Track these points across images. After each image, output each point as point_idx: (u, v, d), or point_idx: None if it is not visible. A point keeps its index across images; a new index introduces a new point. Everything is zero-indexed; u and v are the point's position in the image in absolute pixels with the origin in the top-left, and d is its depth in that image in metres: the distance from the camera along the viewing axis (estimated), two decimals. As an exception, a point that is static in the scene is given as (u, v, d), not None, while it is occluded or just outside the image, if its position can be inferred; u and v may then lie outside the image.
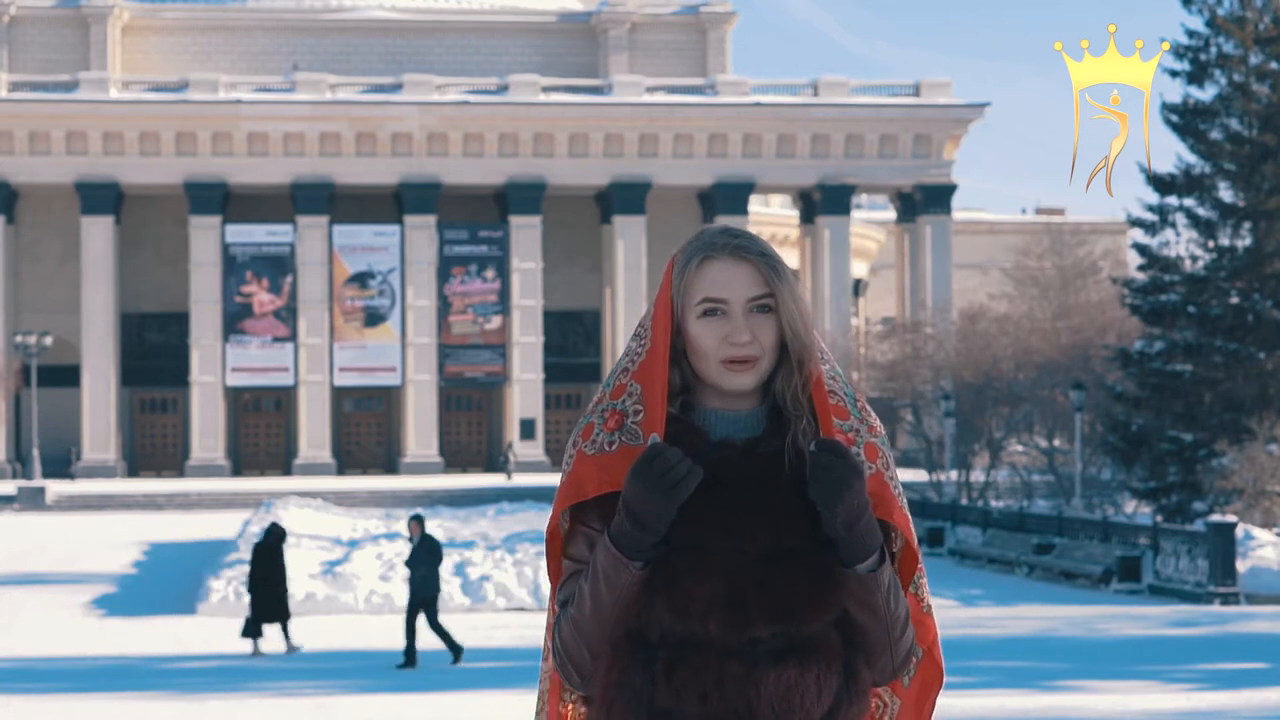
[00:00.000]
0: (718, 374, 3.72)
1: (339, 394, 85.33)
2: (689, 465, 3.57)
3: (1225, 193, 48.02)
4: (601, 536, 3.68)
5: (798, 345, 3.73)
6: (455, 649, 24.76)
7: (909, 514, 3.80)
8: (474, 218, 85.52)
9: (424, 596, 24.75)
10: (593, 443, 3.75)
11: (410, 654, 24.43)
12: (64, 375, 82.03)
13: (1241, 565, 35.88)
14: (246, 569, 35.91)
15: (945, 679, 3.96)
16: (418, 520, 25.69)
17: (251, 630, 26.86)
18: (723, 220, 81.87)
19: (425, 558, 24.99)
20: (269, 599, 27.08)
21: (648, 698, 3.63)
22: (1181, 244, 48.50)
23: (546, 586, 34.71)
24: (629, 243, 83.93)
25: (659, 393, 3.72)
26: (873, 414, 3.83)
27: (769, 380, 3.77)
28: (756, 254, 3.72)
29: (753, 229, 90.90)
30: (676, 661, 3.62)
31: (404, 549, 39.05)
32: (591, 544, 3.73)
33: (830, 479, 3.56)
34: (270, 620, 26.99)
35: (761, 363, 3.71)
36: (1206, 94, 48.06)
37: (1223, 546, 35.13)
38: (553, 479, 74.79)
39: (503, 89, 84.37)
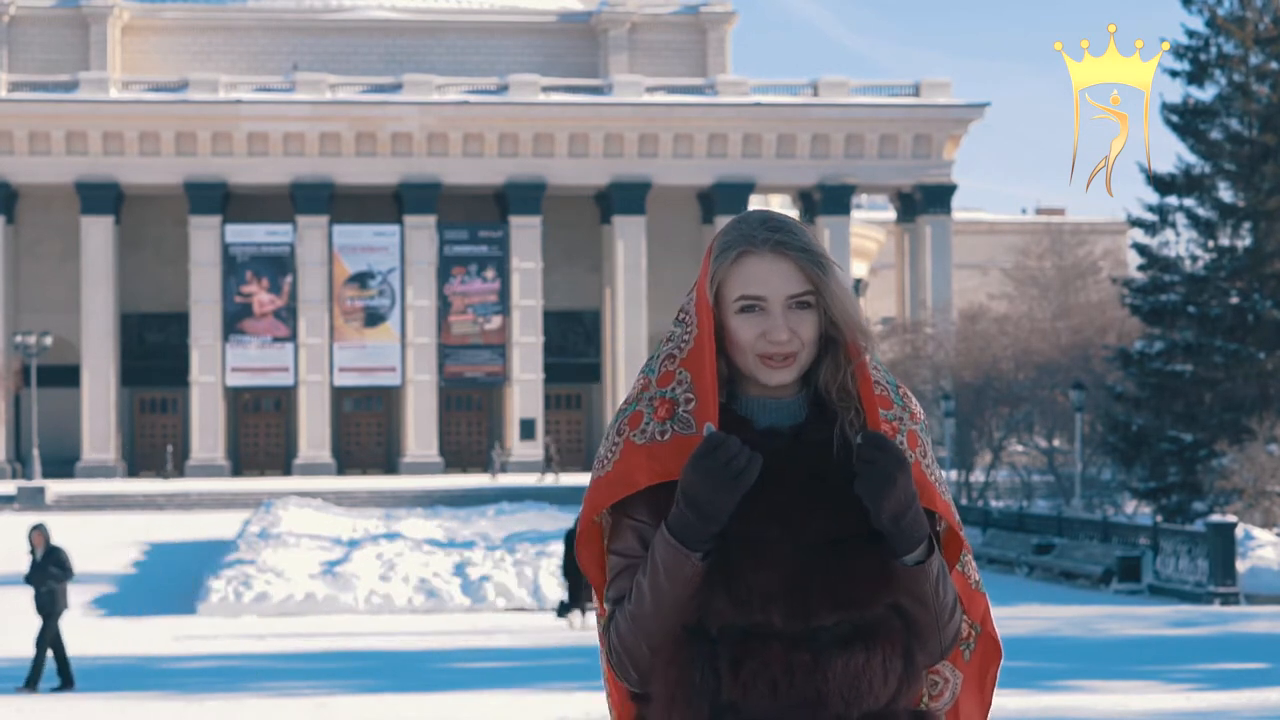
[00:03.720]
0: (755, 368, 3.68)
1: (339, 394, 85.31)
2: (750, 454, 3.54)
3: (1225, 193, 48.01)
4: (655, 529, 3.64)
5: (852, 335, 3.70)
6: (32, 679, 22.69)
7: (949, 498, 3.79)
8: (474, 218, 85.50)
9: (50, 611, 22.99)
10: (642, 431, 3.68)
11: (65, 673, 22.79)
12: (64, 375, 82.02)
13: (1241, 565, 35.88)
14: (249, 569, 35.96)
15: (1001, 657, 3.97)
16: (40, 531, 23.46)
17: (563, 610, 28.91)
18: (721, 221, 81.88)
19: (53, 571, 23.11)
20: (578, 582, 28.71)
21: (711, 692, 3.60)
22: (1181, 244, 48.53)
23: (546, 586, 34.67)
24: (629, 243, 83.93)
25: (710, 381, 3.67)
26: (914, 401, 3.82)
27: (811, 370, 3.75)
28: (798, 249, 3.66)
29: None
30: (742, 654, 3.59)
31: (404, 549, 39.06)
32: (640, 537, 3.67)
33: (875, 474, 3.54)
34: (582, 602, 28.93)
35: (801, 356, 3.68)
36: (1206, 94, 48.08)
37: (1223, 546, 35.13)
38: (553, 479, 74.77)
39: (503, 89, 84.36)
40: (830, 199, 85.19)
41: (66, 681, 22.78)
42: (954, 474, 60.81)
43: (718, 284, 3.70)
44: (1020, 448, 64.44)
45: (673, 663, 3.63)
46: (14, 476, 79.16)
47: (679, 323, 3.76)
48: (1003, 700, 19.30)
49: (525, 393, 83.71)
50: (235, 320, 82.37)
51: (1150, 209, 48.71)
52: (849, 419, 3.71)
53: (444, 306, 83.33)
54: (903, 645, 3.66)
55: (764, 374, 3.68)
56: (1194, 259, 48.26)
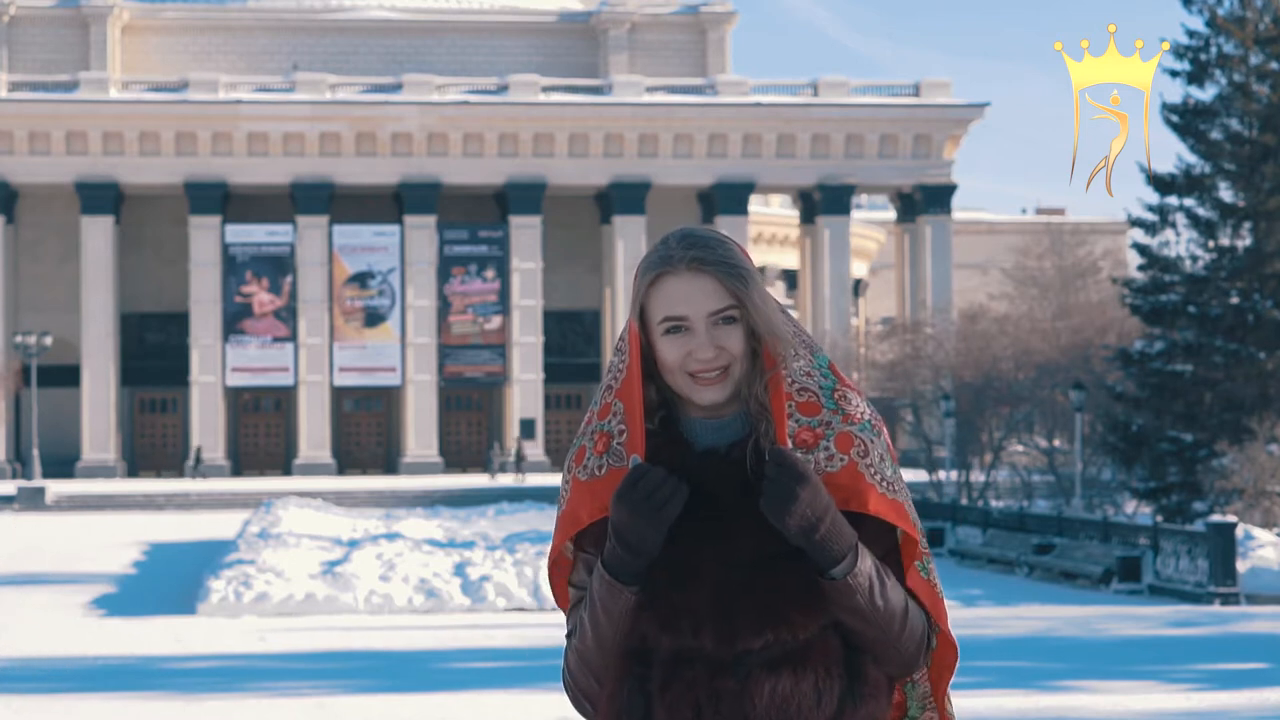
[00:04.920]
0: (687, 389, 3.65)
1: (339, 394, 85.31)
2: (674, 485, 3.54)
3: (1225, 193, 47.98)
4: (597, 562, 3.65)
5: (770, 344, 3.65)
6: None
7: (901, 498, 3.69)
8: (474, 218, 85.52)
9: None
10: (584, 468, 3.71)
11: None
12: (64, 375, 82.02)
13: (1242, 565, 35.86)
14: (249, 569, 35.94)
15: (957, 659, 3.89)
16: None
17: None
18: (721, 221, 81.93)
19: None
20: None
21: (641, 713, 3.60)
22: (1181, 244, 48.50)
23: (546, 587, 34.70)
24: (629, 243, 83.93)
25: (637, 411, 3.66)
26: (854, 401, 3.70)
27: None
28: (714, 263, 3.64)
29: (753, 229, 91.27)
30: (671, 678, 3.58)
31: (403, 549, 39.09)
32: (590, 569, 3.69)
33: (775, 491, 3.51)
34: None
35: (733, 370, 3.64)
36: (1206, 94, 48.05)
37: (1223, 547, 35.10)
38: (553, 479, 74.80)
39: (503, 89, 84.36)
40: (830, 199, 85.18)
41: None
42: (954, 474, 60.81)
43: (641, 308, 3.67)
44: (1020, 448, 64.40)
45: (610, 684, 3.64)
46: (14, 476, 79.16)
47: (617, 352, 3.76)
48: (1003, 700, 19.29)
49: (525, 393, 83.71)
50: (235, 320, 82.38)
51: (1150, 209, 48.69)
52: (762, 431, 3.66)
53: (444, 306, 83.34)
54: (842, 665, 3.60)
55: (696, 393, 3.64)
56: (1194, 259, 48.23)
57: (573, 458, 3.74)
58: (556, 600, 3.83)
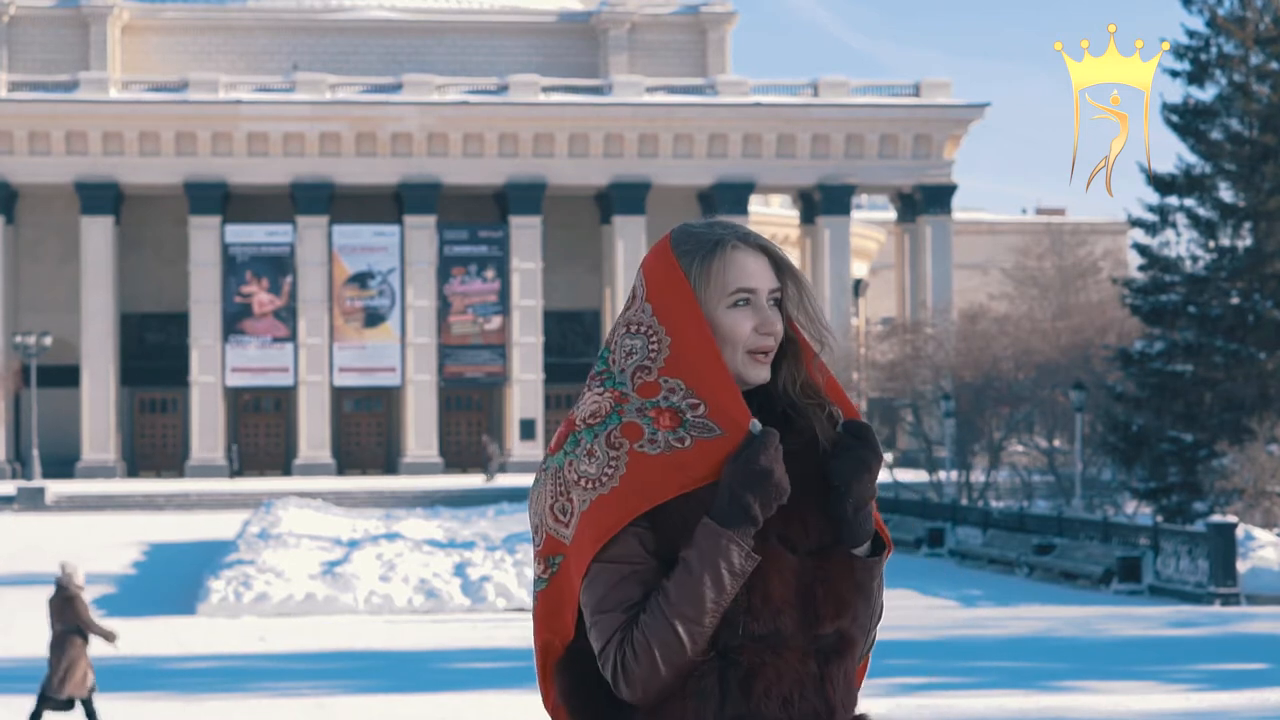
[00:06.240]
0: (743, 365, 3.67)
1: (339, 394, 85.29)
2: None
3: (1225, 193, 48.02)
4: (654, 535, 3.56)
5: (817, 333, 3.74)
6: None
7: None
8: (474, 218, 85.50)
9: None
10: (651, 442, 3.57)
11: None
12: (64, 375, 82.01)
13: (1242, 566, 35.88)
14: (249, 569, 35.96)
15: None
16: None
17: None
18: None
19: None
20: None
21: (716, 704, 3.56)
22: (1182, 244, 48.55)
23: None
24: (629, 243, 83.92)
25: (728, 379, 3.62)
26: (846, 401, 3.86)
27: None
28: (766, 245, 3.73)
29: (753, 229, 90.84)
30: (756, 665, 3.57)
31: (403, 550, 39.08)
32: (643, 543, 3.56)
33: (852, 458, 3.59)
34: None
35: (772, 354, 3.71)
36: (1207, 94, 48.08)
37: (1223, 547, 35.12)
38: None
39: (503, 89, 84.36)
40: (830, 199, 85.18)
41: None
42: (954, 474, 60.81)
43: (707, 282, 3.66)
44: (1020, 448, 64.40)
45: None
46: (14, 477, 79.14)
47: (636, 335, 3.69)
48: (1003, 700, 19.29)
49: (525, 393, 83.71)
50: (235, 320, 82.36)
51: (1150, 209, 48.72)
52: (823, 419, 3.70)
53: (444, 306, 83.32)
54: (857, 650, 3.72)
55: (751, 370, 3.67)
56: (1194, 259, 48.27)
57: (618, 433, 3.58)
58: (585, 584, 3.59)
